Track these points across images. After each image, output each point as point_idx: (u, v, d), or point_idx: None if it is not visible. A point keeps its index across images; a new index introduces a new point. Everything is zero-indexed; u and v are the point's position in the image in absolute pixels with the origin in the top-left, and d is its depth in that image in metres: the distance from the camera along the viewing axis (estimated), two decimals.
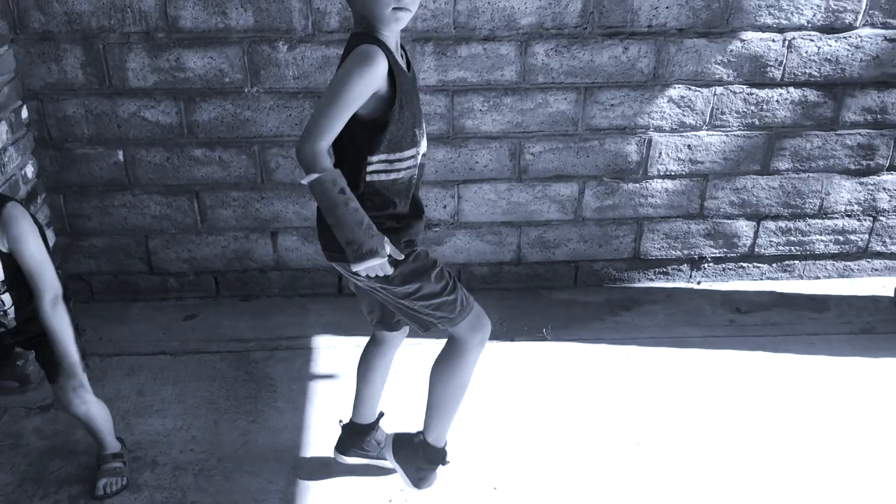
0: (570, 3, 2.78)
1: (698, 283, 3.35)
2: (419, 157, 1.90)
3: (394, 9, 1.71)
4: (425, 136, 1.94)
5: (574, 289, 3.30)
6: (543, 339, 2.97)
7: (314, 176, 1.71)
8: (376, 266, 1.78)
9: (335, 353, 2.89)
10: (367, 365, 2.26)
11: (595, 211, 3.16)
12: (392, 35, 1.79)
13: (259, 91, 2.85)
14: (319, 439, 2.48)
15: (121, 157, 2.92)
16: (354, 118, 1.73)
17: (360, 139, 1.78)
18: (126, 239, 3.09)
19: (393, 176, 1.84)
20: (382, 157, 1.81)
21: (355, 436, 2.34)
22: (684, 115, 3.00)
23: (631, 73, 2.91)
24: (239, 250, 3.14)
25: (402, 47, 1.89)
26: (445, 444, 2.21)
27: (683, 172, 3.11)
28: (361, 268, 1.77)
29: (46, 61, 2.74)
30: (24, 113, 2.68)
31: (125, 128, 2.87)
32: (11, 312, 2.05)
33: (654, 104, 2.97)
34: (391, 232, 1.86)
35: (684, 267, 3.32)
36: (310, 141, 1.70)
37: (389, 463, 2.26)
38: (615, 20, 2.82)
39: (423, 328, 2.02)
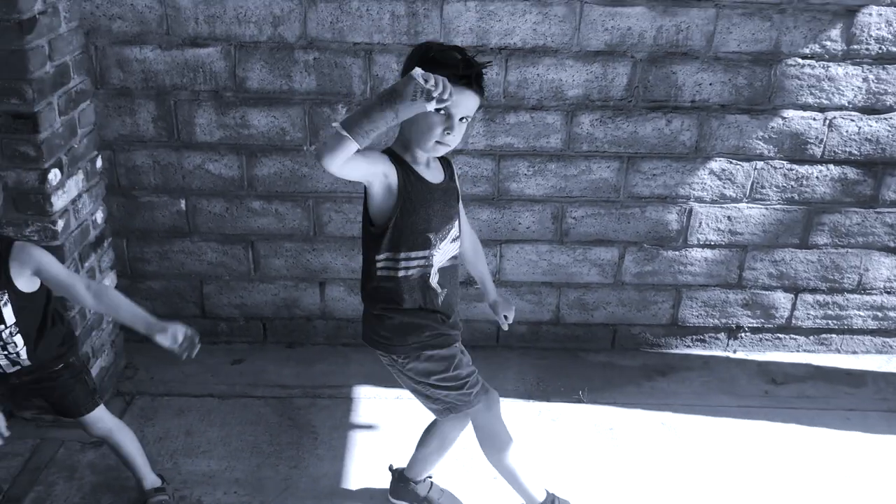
0: (616, 77, 2.90)
1: (735, 352, 3.38)
2: (434, 259, 2.05)
3: (437, 142, 1.92)
4: (452, 240, 2.09)
5: (611, 352, 3.36)
6: (579, 400, 3.03)
7: (336, 127, 1.75)
8: (417, 77, 1.70)
9: (375, 403, 2.98)
10: (427, 429, 2.41)
11: (634, 276, 3.24)
12: (426, 154, 2.00)
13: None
14: (358, 489, 2.56)
15: (183, 205, 3.08)
16: (366, 212, 1.98)
17: (370, 240, 2.01)
18: (182, 283, 3.23)
19: (401, 273, 2.02)
20: (388, 255, 2.01)
21: (405, 484, 2.47)
22: (725, 188, 3.08)
23: (673, 144, 3.01)
24: (288, 298, 3.27)
25: (446, 160, 2.10)
26: (547, 493, 2.36)
27: (723, 242, 3.17)
28: (418, 72, 1.70)
29: (122, 114, 2.93)
30: (99, 162, 2.86)
31: (189, 179, 3.04)
32: (24, 353, 2.13)
33: (696, 175, 3.06)
34: (399, 331, 2.07)
35: (721, 335, 3.37)
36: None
37: None
38: (659, 95, 2.93)
39: (440, 411, 2.22)
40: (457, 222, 2.12)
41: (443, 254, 2.08)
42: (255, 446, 2.75)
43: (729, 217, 3.13)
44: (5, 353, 2.11)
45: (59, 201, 2.56)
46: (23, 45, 2.32)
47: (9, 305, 2.04)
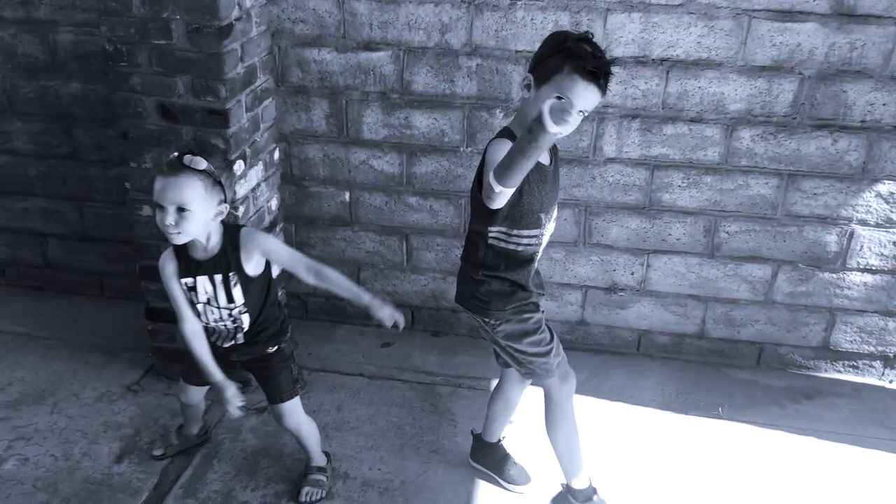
0: (782, 94, 2.84)
1: (891, 381, 3.23)
2: (543, 238, 2.20)
3: None
4: (554, 219, 2.25)
5: (756, 370, 3.30)
6: (718, 416, 3.01)
7: (493, 184, 1.90)
8: (555, 108, 1.77)
9: None
10: (493, 392, 2.65)
11: (787, 295, 3.16)
12: None
13: (473, 151, 3.13)
14: (493, 480, 2.68)
15: (347, 197, 3.31)
16: (479, 183, 2.07)
17: (484, 211, 2.09)
18: (341, 268, 3.43)
19: (511, 247, 2.17)
20: (502, 229, 2.14)
21: (481, 449, 2.69)
22: (892, 212, 2.94)
23: (838, 164, 2.91)
24: (436, 290, 3.44)
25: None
26: (590, 482, 2.49)
27: (885, 268, 3.04)
28: (549, 120, 1.73)
29: (298, 111, 3.18)
30: (276, 154, 3.12)
31: (354, 173, 3.26)
32: (245, 329, 2.38)
33: (860, 197, 2.94)
34: (499, 296, 2.21)
35: (876, 363, 3.22)
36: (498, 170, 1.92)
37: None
38: (826, 113, 2.84)
39: (522, 373, 2.38)
40: (557, 202, 2.26)
41: (549, 232, 2.24)
42: (399, 427, 2.93)
43: (895, 242, 2.99)
44: (235, 328, 2.36)
45: (241, 189, 2.83)
46: (220, 49, 2.59)
47: (238, 286, 2.29)
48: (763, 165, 2.97)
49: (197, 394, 2.62)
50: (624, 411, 3.02)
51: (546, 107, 1.74)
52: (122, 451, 2.78)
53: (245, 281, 2.29)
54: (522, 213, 2.12)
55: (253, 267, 2.30)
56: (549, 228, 2.25)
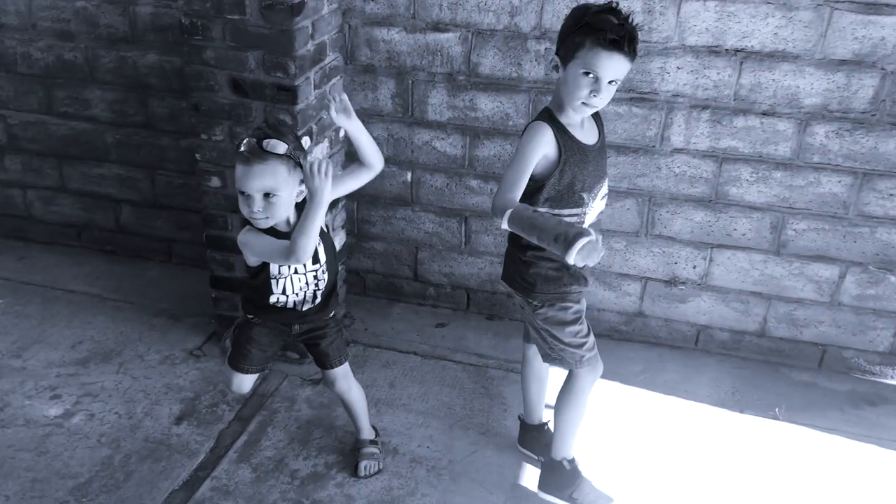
0: (861, 89, 2.74)
1: None
2: (585, 217, 2.19)
3: (583, 103, 2.05)
4: (600, 198, 2.24)
5: (816, 371, 3.21)
6: (775, 417, 2.94)
7: (507, 213, 2.02)
8: (588, 246, 1.89)
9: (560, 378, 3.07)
10: (524, 374, 2.67)
11: (854, 298, 3.06)
12: (577, 114, 2.11)
13: None
14: (538, 464, 2.69)
15: (409, 177, 3.33)
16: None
17: (527, 192, 2.11)
18: (400, 247, 3.51)
19: None
20: (544, 209, 2.14)
21: (527, 433, 2.72)
22: None
23: None
24: (493, 273, 3.44)
25: (598, 119, 2.23)
26: (571, 458, 2.53)
27: None
28: (575, 253, 1.88)
29: (365, 89, 3.21)
30: (342, 132, 3.15)
31: (417, 153, 3.27)
32: (322, 289, 2.34)
33: None
34: (545, 280, 2.24)
35: None
36: (499, 195, 2.07)
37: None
38: None
39: (550, 359, 2.40)
40: (606, 180, 2.24)
41: (594, 211, 2.22)
42: (450, 407, 2.96)
43: None
44: (317, 289, 2.35)
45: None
46: (292, 25, 2.63)
47: (321, 245, 2.30)
48: (836, 163, 2.87)
49: (247, 382, 2.56)
50: (677, 406, 2.99)
51: (581, 243, 1.87)
52: (181, 413, 2.89)
53: (324, 238, 2.29)
54: (562, 191, 2.14)
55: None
56: (596, 207, 2.23)
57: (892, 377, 3.16)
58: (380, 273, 3.59)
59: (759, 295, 3.16)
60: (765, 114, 2.87)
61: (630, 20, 2.01)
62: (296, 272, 2.30)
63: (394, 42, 3.10)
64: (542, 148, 2.09)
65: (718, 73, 2.85)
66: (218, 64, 2.73)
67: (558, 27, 2.89)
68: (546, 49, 2.96)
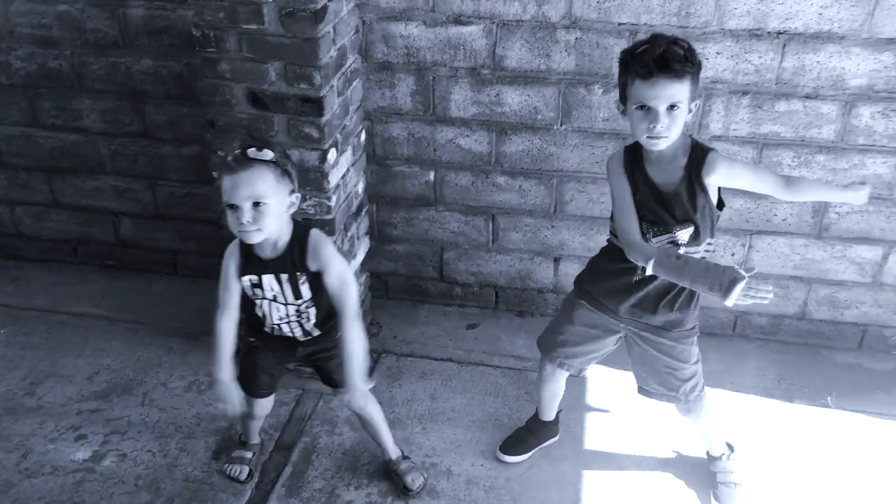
0: None
1: None
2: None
3: (647, 136, 2.01)
4: (677, 244, 2.15)
5: (858, 352, 3.18)
6: (826, 405, 2.91)
7: (651, 262, 2.03)
8: (742, 287, 1.93)
9: (607, 383, 3.00)
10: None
11: None
12: (651, 149, 2.06)
13: (567, 129, 2.97)
14: (598, 478, 2.62)
15: (432, 177, 3.17)
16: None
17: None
18: (424, 248, 3.36)
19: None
20: (611, 236, 2.25)
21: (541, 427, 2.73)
22: None
23: None
24: (522, 270, 3.32)
25: (701, 157, 2.06)
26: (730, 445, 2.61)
27: None
28: (734, 298, 1.93)
29: (382, 87, 3.02)
30: (363, 136, 2.98)
31: (440, 152, 3.11)
32: (314, 323, 2.31)
33: None
34: (693, 305, 2.30)
35: None
36: (628, 243, 2.11)
37: None
38: None
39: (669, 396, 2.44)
40: (692, 227, 2.12)
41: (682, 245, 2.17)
42: (497, 419, 2.86)
43: None
44: (301, 322, 2.31)
45: (333, 178, 2.71)
46: (315, 33, 2.43)
47: (306, 284, 2.23)
48: (882, 144, 2.79)
49: (266, 405, 2.56)
50: (725, 399, 2.92)
51: (737, 289, 1.91)
52: (218, 447, 2.75)
53: (313, 277, 2.22)
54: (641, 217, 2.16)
55: (315, 266, 2.22)
56: (680, 239, 2.15)
57: None
58: (402, 275, 3.45)
59: (799, 279, 3.10)
60: (808, 97, 2.76)
61: (668, 42, 1.94)
62: (274, 300, 2.25)
63: (412, 37, 2.91)
64: (619, 177, 2.14)
65: (760, 58, 2.72)
66: (234, 77, 2.53)
67: (588, 15, 2.79)
68: (577, 39, 2.80)
